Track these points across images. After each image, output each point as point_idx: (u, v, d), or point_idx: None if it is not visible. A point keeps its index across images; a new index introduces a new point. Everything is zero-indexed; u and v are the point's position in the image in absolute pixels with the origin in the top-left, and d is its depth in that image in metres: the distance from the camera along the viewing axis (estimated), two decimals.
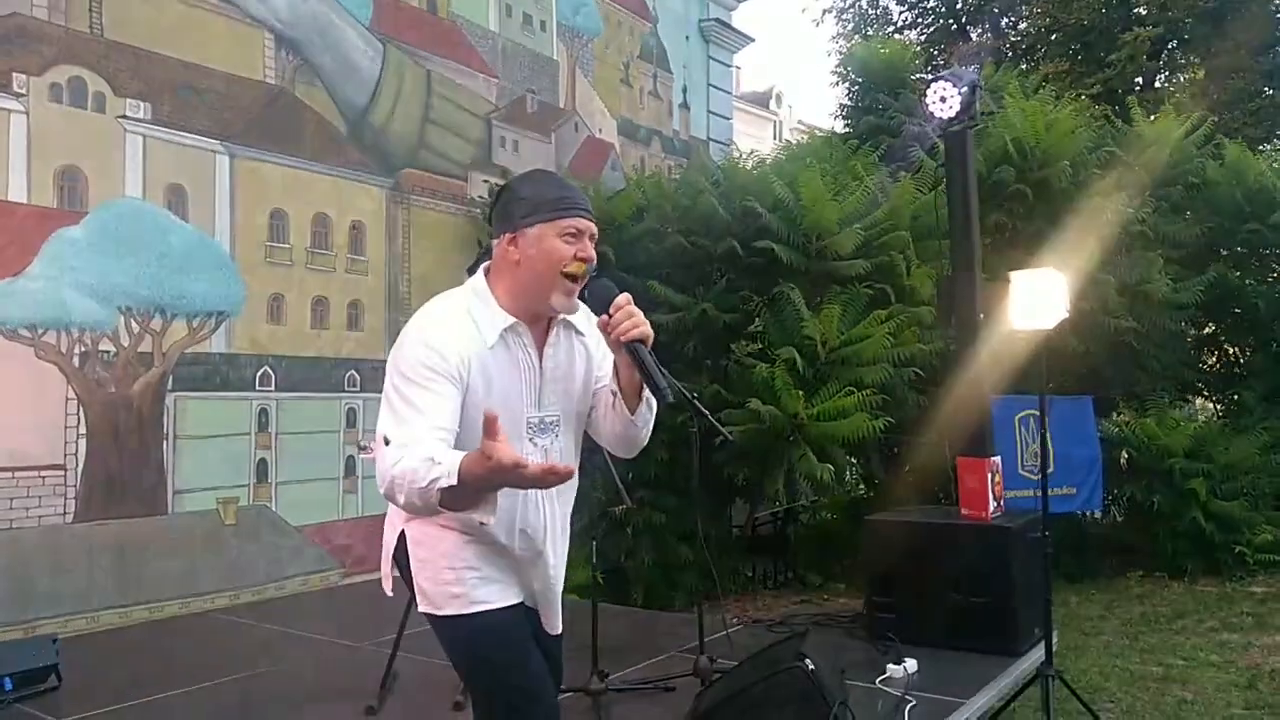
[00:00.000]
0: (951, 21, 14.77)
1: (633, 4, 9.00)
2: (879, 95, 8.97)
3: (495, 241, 1.95)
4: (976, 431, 4.26)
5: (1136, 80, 12.84)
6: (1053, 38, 12.99)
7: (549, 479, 1.56)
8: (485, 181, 7.23)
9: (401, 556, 1.98)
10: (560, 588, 2.07)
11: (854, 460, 7.67)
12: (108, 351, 5.15)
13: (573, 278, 1.87)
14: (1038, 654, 3.84)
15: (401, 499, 1.67)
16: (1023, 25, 13.58)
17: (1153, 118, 8.76)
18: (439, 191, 6.84)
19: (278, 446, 5.89)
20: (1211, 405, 10.04)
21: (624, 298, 1.85)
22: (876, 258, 6.53)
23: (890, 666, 3.56)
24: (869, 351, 6.22)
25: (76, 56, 5.03)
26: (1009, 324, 3.72)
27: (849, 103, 9.54)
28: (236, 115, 5.74)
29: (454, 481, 1.58)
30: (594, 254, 1.91)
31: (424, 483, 1.61)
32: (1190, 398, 9.56)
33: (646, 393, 1.91)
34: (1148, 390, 8.18)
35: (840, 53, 14.29)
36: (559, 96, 8.08)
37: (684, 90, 9.58)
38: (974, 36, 14.52)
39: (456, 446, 1.74)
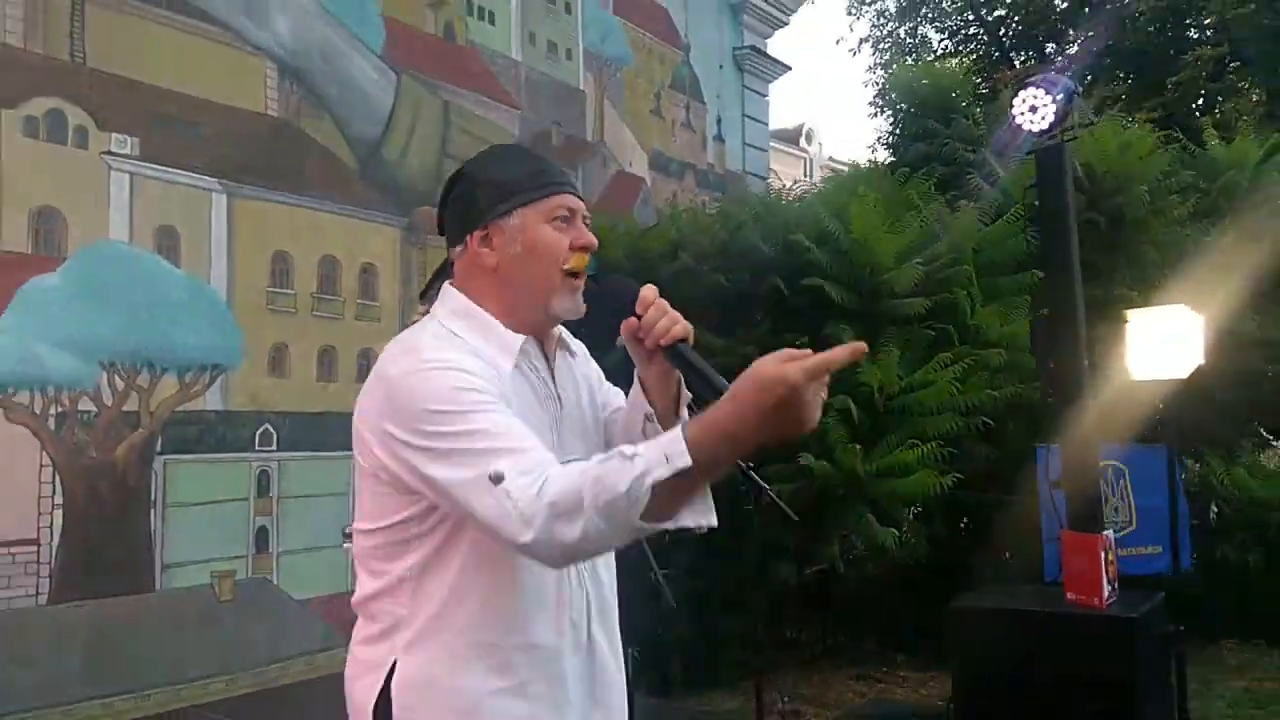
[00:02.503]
0: (994, 49, 14.25)
1: (663, 31, 8.52)
2: (927, 121, 8.42)
3: (457, 249, 1.56)
4: (1084, 500, 3.61)
5: (1196, 104, 12.22)
6: (1105, 62, 12.42)
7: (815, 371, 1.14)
8: None
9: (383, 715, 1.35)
10: (623, 678, 1.54)
11: (913, 516, 7.07)
12: (88, 412, 4.63)
13: (575, 274, 1.49)
14: None
15: (576, 527, 1.19)
16: (1072, 50, 13.03)
17: (1228, 140, 8.11)
18: None
19: (280, 512, 5.34)
20: None
21: (650, 290, 1.46)
22: (938, 295, 5.94)
23: None
24: (933, 399, 5.61)
25: (55, 87, 4.58)
26: (1125, 372, 3.09)
27: (894, 131, 8.99)
28: (235, 151, 5.27)
29: (686, 462, 1.13)
30: (594, 239, 1.53)
31: (626, 483, 1.15)
32: (1274, 442, 8.81)
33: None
34: (1232, 436, 7.49)
35: (877, 83, 13.82)
36: (586, 129, 7.58)
37: (718, 122, 9.06)
38: (1017, 64, 14.00)
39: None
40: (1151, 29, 11.76)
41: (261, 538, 5.28)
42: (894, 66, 13.94)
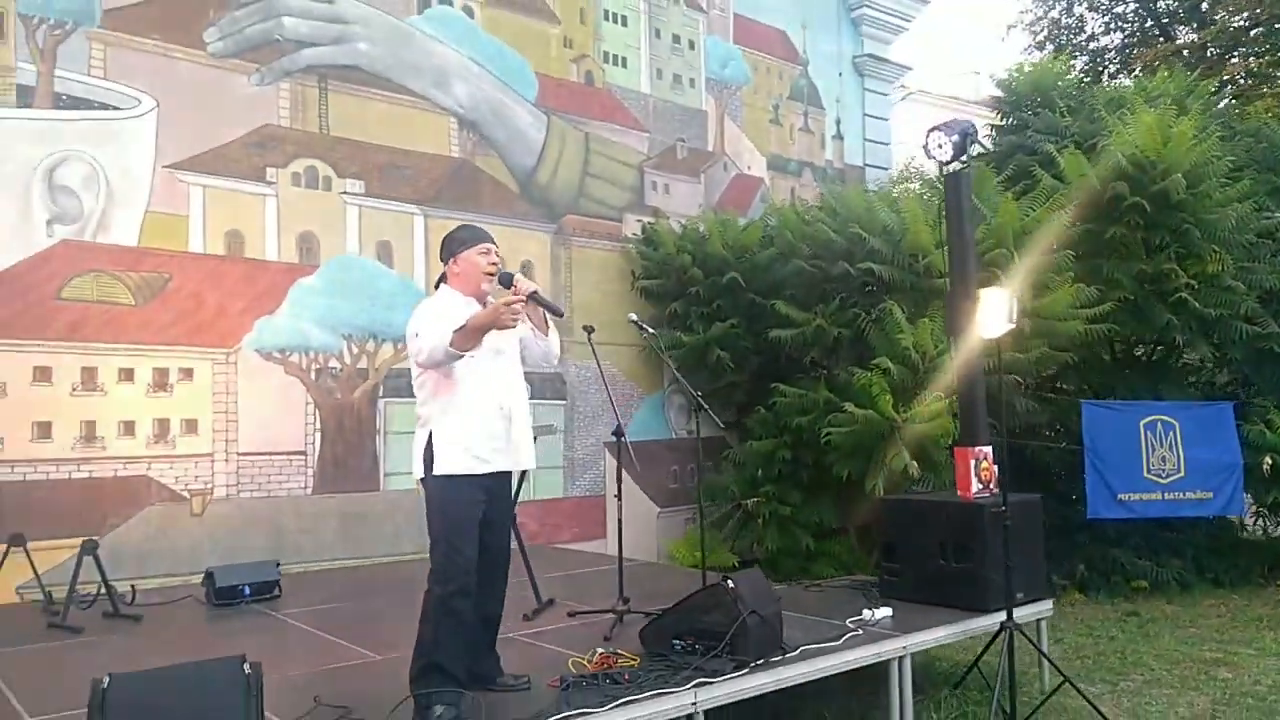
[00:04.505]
0: (1151, 23, 14.29)
1: (781, 50, 9.97)
2: (1022, 114, 9.36)
3: (444, 269, 3.49)
4: (966, 425, 4.96)
5: None
6: (1252, 33, 12.35)
7: (509, 308, 3.14)
8: (638, 221, 8.52)
9: (428, 452, 3.31)
10: (530, 437, 3.51)
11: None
12: (335, 368, 6.89)
13: (490, 274, 3.43)
14: (1024, 613, 4.55)
15: (425, 353, 3.17)
16: (1218, 17, 12.94)
17: None
18: (596, 232, 8.21)
19: None
20: None
21: (518, 276, 3.41)
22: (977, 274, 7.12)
23: (865, 611, 4.40)
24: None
25: (310, 150, 6.84)
26: (978, 332, 4.46)
27: (1000, 123, 9.92)
28: (429, 185, 7.39)
29: (460, 324, 3.10)
30: (498, 259, 3.49)
31: (449, 332, 3.10)
32: None
33: (551, 326, 3.55)
34: None
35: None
36: (708, 142, 9.22)
37: (838, 122, 10.39)
38: (1179, 39, 13.98)
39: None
40: None
41: None
42: (1048, 47, 14.41)
